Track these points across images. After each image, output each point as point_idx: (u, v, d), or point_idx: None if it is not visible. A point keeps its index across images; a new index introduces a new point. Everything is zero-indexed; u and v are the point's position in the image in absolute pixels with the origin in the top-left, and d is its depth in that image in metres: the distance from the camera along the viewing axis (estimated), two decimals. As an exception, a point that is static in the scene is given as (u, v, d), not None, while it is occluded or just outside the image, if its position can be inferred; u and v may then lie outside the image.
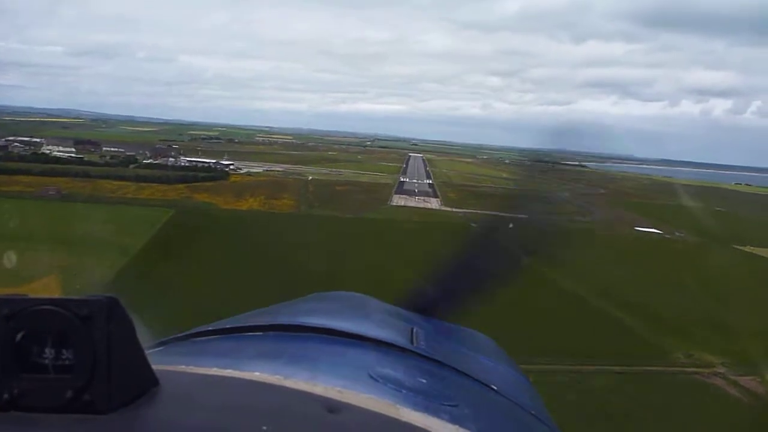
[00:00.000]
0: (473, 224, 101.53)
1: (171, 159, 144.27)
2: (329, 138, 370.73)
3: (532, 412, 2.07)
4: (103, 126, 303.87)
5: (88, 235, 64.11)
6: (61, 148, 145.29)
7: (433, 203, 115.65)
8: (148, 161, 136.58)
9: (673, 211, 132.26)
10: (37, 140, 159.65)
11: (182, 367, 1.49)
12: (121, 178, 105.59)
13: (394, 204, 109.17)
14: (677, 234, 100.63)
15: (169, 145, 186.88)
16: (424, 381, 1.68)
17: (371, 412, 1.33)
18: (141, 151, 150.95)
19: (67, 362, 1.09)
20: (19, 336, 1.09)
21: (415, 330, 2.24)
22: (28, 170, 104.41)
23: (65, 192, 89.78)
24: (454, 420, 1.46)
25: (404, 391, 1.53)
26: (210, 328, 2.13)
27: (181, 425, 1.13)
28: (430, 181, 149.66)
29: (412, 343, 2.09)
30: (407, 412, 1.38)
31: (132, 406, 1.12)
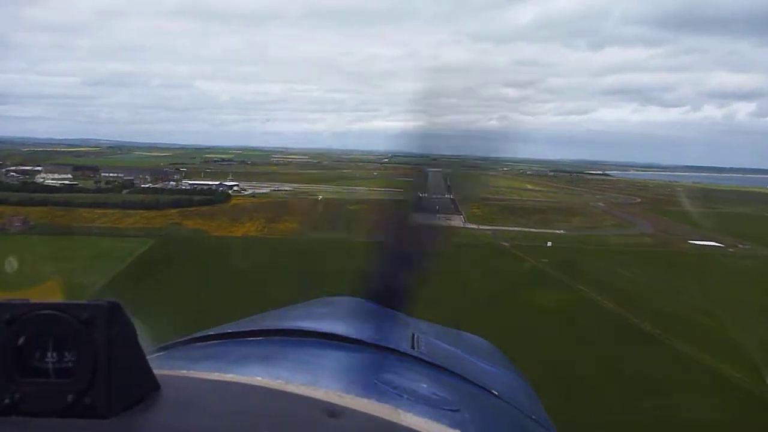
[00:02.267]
0: (504, 243, 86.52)
1: (172, 182, 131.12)
2: (346, 156, 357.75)
3: (533, 416, 2.05)
4: (119, 153, 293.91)
5: (36, 275, 49.89)
6: (55, 176, 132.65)
7: (456, 220, 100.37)
8: (146, 185, 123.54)
9: (722, 219, 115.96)
10: (37, 168, 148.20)
11: (183, 372, 1.48)
12: (107, 205, 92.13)
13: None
14: (741, 246, 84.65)
15: (177, 168, 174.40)
16: (425, 386, 1.68)
17: (372, 416, 1.32)
18: (141, 176, 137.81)
19: (68, 366, 1.08)
20: (20, 340, 1.08)
21: (416, 335, 2.22)
22: (5, 200, 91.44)
23: (34, 223, 76.31)
24: (455, 424, 1.45)
25: (405, 396, 1.52)
26: (212, 333, 2.10)
27: (183, 430, 1.12)
28: (451, 196, 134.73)
29: (413, 347, 2.08)
30: (408, 416, 1.37)
31: (133, 410, 1.11)
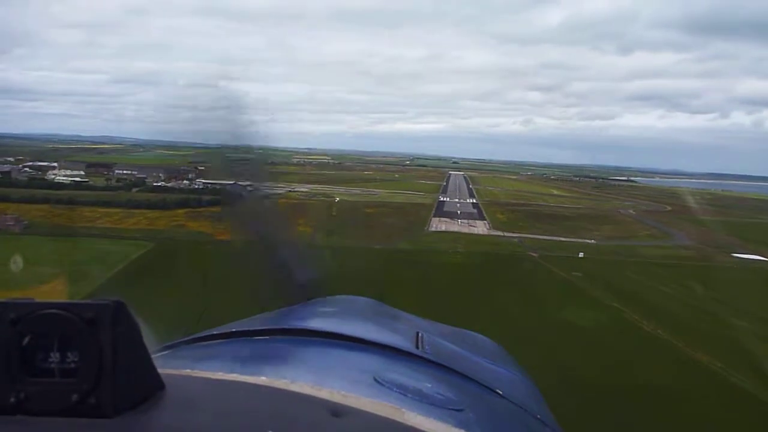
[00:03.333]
0: (533, 253, 79.14)
1: (185, 181, 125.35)
2: (368, 158, 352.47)
3: (538, 416, 2.04)
4: (141, 150, 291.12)
5: (8, 282, 43.98)
6: (67, 173, 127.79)
7: (480, 227, 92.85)
8: (158, 184, 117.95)
9: (761, 230, 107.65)
10: (52, 164, 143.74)
11: (188, 371, 1.47)
12: (112, 204, 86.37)
13: (434, 229, 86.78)
14: (792, 261, 76.46)
15: (195, 167, 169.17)
16: (429, 385, 1.67)
17: (376, 416, 1.31)
18: (155, 173, 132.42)
19: (72, 366, 1.08)
20: (25, 340, 1.08)
21: (420, 334, 2.21)
22: (8, 197, 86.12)
23: (28, 222, 70.60)
24: (459, 424, 1.44)
25: (409, 395, 1.52)
26: (216, 332, 2.10)
27: (187, 429, 1.12)
28: (475, 201, 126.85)
29: (417, 347, 2.08)
30: (412, 416, 1.36)
31: (137, 409, 1.11)
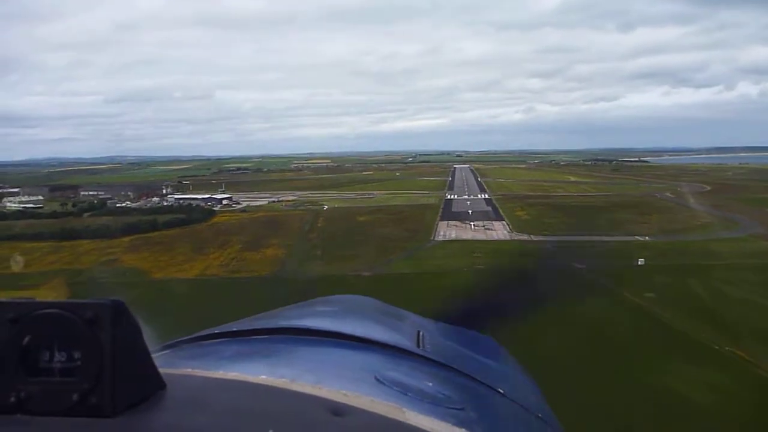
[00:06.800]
0: (578, 265, 58.17)
1: (155, 198, 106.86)
2: (370, 158, 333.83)
3: (539, 414, 2.02)
4: (137, 168, 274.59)
5: None
6: (23, 199, 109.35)
7: (499, 230, 72.62)
8: (122, 204, 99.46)
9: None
10: (14, 190, 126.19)
11: (189, 370, 1.46)
12: (41, 237, 67.37)
13: (441, 238, 66.82)
14: None
15: (180, 181, 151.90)
16: (430, 384, 1.65)
17: (377, 415, 1.29)
18: (123, 192, 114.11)
19: (73, 365, 1.06)
20: (25, 339, 1.07)
21: (421, 333, 2.19)
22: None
23: None
24: (460, 423, 1.42)
25: (410, 394, 1.50)
26: (217, 331, 2.07)
27: (188, 428, 1.10)
28: (486, 196, 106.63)
29: (418, 346, 2.06)
30: (413, 415, 1.35)
31: (138, 409, 1.09)
